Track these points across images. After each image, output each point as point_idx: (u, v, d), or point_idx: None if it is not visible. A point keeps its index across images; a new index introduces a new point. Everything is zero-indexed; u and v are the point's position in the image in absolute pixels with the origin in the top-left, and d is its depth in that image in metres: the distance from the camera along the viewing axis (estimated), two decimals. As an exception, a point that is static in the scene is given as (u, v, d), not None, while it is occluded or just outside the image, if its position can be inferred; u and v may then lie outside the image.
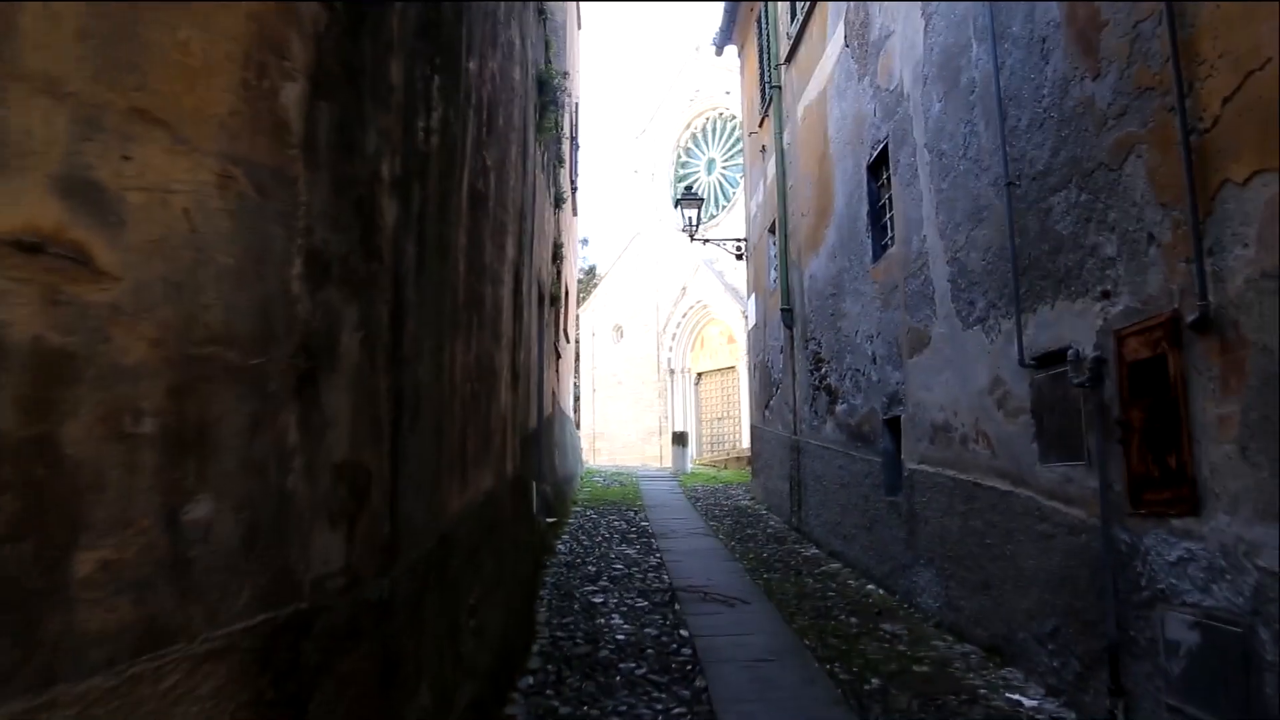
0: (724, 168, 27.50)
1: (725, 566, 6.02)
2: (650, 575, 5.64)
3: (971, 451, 4.06)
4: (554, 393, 8.85)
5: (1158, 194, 2.65)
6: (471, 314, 3.03)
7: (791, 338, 7.77)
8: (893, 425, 5.22)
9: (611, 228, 32.27)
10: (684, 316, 27.30)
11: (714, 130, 28.50)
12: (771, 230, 8.85)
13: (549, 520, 6.84)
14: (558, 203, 8.41)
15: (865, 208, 5.66)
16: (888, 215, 5.42)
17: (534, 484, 6.04)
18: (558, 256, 8.42)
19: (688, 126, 29.22)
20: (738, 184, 26.67)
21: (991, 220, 3.82)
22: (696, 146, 28.77)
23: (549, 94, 6.59)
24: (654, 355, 28.39)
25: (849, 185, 6.03)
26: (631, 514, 8.64)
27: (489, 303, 3.40)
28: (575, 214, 12.12)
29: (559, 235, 8.68)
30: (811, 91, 6.99)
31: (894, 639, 4.21)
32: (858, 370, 5.85)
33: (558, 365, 9.44)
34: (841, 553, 6.09)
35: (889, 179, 5.32)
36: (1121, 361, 2.86)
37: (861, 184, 5.73)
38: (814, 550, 6.56)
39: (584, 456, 30.65)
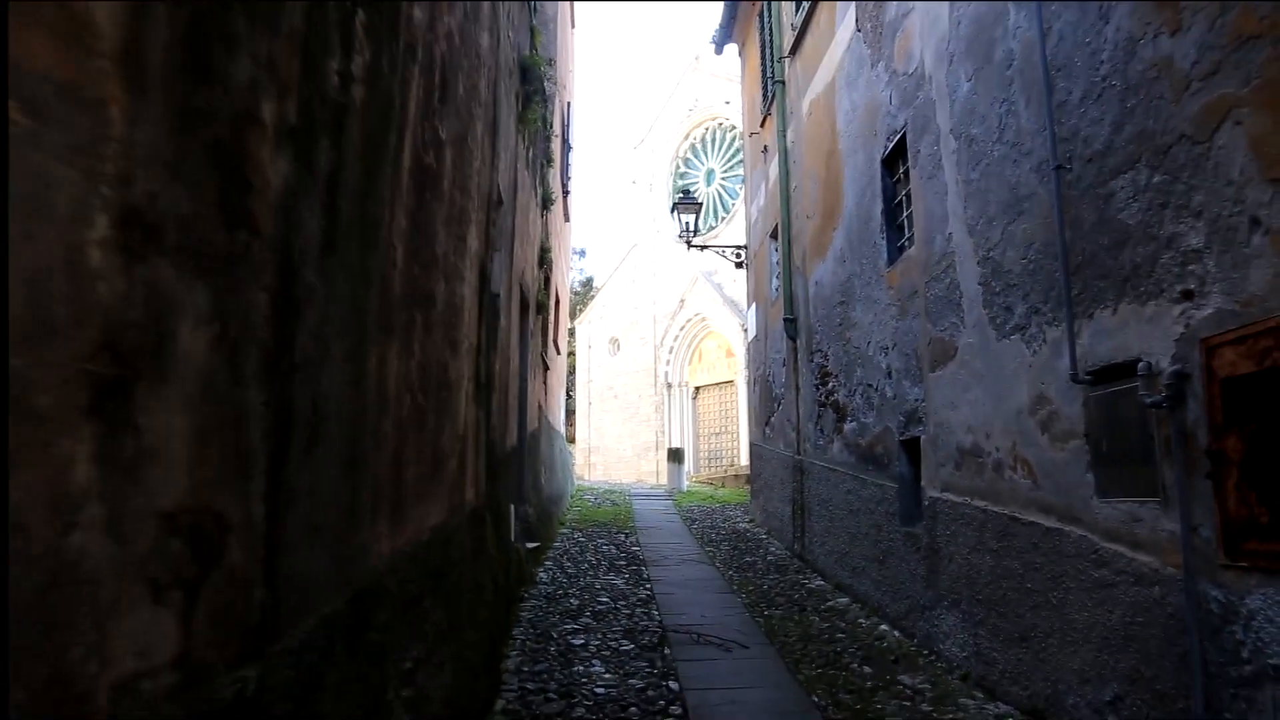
0: (723, 178, 27.14)
1: (722, 600, 5.44)
2: (638, 611, 5.06)
3: (1007, 480, 3.51)
4: (540, 406, 8.29)
5: (1265, 167, 2.12)
6: (415, 313, 2.49)
7: (795, 350, 7.23)
8: (910, 447, 4.67)
9: (610, 240, 31.85)
10: (681, 329, 26.81)
11: (713, 140, 28.17)
12: (773, 235, 8.33)
13: (530, 546, 6.27)
14: (545, 204, 7.89)
15: (879, 206, 5.14)
16: (904, 213, 4.90)
17: (512, 508, 5.48)
18: (545, 261, 7.89)
19: (686, 137, 28.90)
20: (737, 195, 26.24)
21: (1034, 212, 3.29)
22: (695, 157, 28.42)
23: (533, 82, 6.07)
24: (651, 369, 27.88)
25: (860, 182, 5.52)
26: (622, 537, 8.06)
27: (442, 301, 2.86)
28: (567, 219, 11.62)
29: (546, 239, 8.15)
30: (818, 84, 6.50)
31: (915, 695, 3.64)
32: (869, 385, 5.30)
33: (545, 377, 8.89)
34: (850, 586, 5.52)
35: (906, 173, 4.80)
36: (1211, 377, 2.32)
37: (874, 180, 5.21)
38: (819, 582, 5.99)
39: (579, 472, 30.09)
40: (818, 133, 6.56)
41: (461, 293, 3.18)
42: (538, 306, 7.69)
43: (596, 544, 7.55)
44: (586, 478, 29.03)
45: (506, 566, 4.74)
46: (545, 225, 8.26)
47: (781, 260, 7.56)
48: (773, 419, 8.37)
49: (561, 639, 4.37)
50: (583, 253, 43.98)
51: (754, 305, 9.42)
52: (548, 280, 9.05)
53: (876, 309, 5.17)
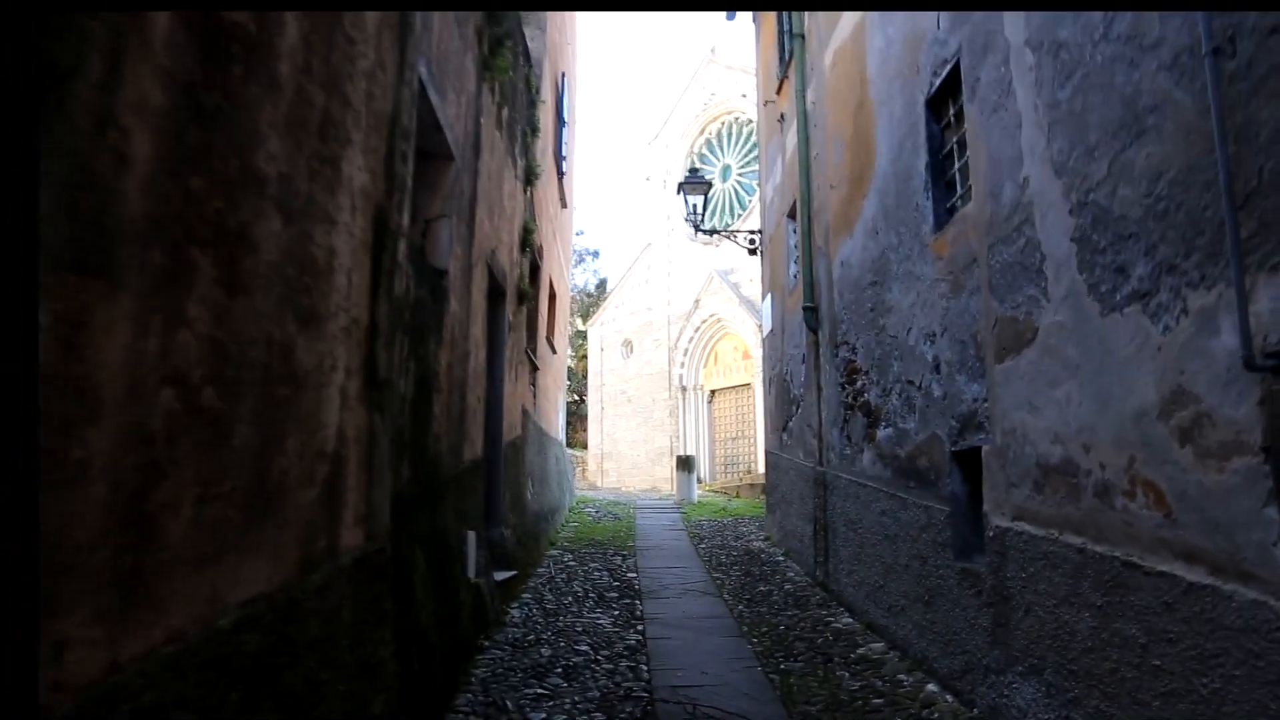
0: (740, 174, 26.19)
1: (729, 648, 4.43)
2: (623, 665, 4.07)
3: (1119, 510, 2.49)
4: (525, 410, 7.33)
5: None
6: (191, 253, 1.52)
7: (816, 343, 6.21)
8: (966, 460, 3.65)
9: (624, 240, 30.95)
10: (696, 331, 25.81)
11: (729, 135, 27.25)
12: (791, 215, 7.32)
13: (502, 577, 5.30)
14: (529, 178, 6.93)
15: (922, 160, 4.12)
16: (956, 166, 3.89)
17: (471, 535, 4.50)
18: (528, 244, 6.93)
19: (702, 132, 28.00)
20: (754, 191, 25.24)
21: (1166, 128, 2.27)
22: (711, 153, 27.49)
23: (503, 24, 5.12)
24: (665, 372, 26.91)
25: (897, 135, 4.50)
26: (619, 560, 7.07)
27: (275, 247, 1.89)
28: (565, 204, 10.67)
29: (532, 219, 7.19)
30: (844, 28, 5.49)
31: (989, 806, 2.62)
32: (910, 383, 4.28)
33: (533, 378, 7.93)
34: (886, 628, 4.49)
35: (960, 113, 3.79)
36: None
37: (917, 128, 4.20)
38: (847, 620, 4.95)
39: (591, 479, 29.17)
40: (843, 86, 5.55)
41: (329, 243, 2.21)
42: (519, 296, 6.73)
43: (588, 569, 6.57)
44: (599, 485, 28.10)
45: (452, 615, 3.76)
46: (531, 204, 7.31)
47: (800, 241, 6.55)
48: (790, 424, 7.34)
49: (518, 710, 3.39)
50: (596, 253, 43.15)
51: (769, 296, 8.40)
52: (535, 268, 8.10)
53: (919, 287, 4.15)
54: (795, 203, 6.88)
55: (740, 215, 25.31)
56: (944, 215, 3.97)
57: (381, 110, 2.69)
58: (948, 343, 3.79)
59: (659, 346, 27.41)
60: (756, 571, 6.49)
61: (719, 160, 27.16)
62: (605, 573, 6.44)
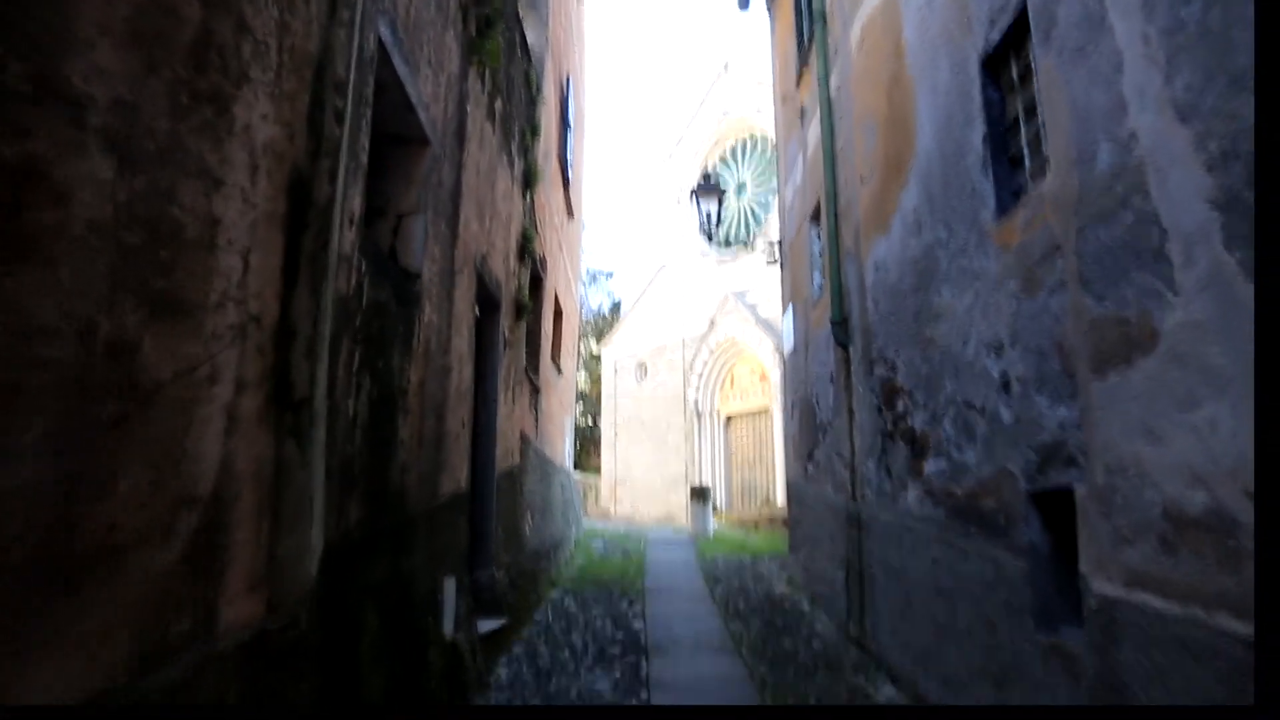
0: (755, 190, 25.64)
1: (749, 725, 3.67)
2: (620, 751, 3.32)
3: (1310, 585, 1.73)
4: (525, 435, 6.64)
5: None
6: None
7: (846, 360, 5.48)
8: (1050, 504, 2.89)
9: (638, 261, 30.53)
10: (712, 353, 25.08)
11: (744, 152, 26.76)
12: (814, 217, 6.63)
13: (489, 628, 4.58)
14: (528, 181, 6.30)
15: (979, 132, 3.42)
16: (1024, 135, 3.18)
17: (450, 583, 3.80)
18: (528, 253, 6.28)
19: (716, 147, 27.54)
20: (771, 208, 24.63)
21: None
22: (726, 170, 26.97)
23: (490, 4, 4.52)
24: (680, 395, 26.16)
25: (944, 108, 3.81)
26: (625, 604, 6.31)
27: (107, 203, 1.22)
28: (571, 215, 10.05)
29: (533, 226, 6.56)
30: None
31: None
32: (969, 405, 3.54)
33: (534, 400, 7.24)
34: (941, 704, 3.71)
35: (1028, 69, 3.10)
36: None
37: (970, 95, 3.50)
38: (889, 689, 4.17)
39: (605, 506, 28.34)
40: (874, 63, 4.88)
41: (206, 209, 1.55)
42: (517, 308, 6.07)
43: (590, 616, 5.81)
44: (612, 512, 27.25)
45: (415, 684, 3.03)
46: (532, 210, 6.68)
47: (826, 245, 5.84)
48: (816, 453, 6.58)
49: (480, 822, 2.65)
50: (610, 274, 42.64)
51: (790, 309, 7.69)
52: (538, 281, 7.46)
53: (979, 287, 3.42)
54: (819, 203, 6.19)
55: (756, 233, 24.69)
56: (1009, 197, 3.26)
57: (302, 49, 2.04)
58: (1020, 354, 3.05)
59: (673, 369, 26.71)
60: (780, 622, 5.70)
61: (734, 177, 26.66)
62: (609, 621, 5.68)
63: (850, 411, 5.41)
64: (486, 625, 4.65)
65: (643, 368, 28.41)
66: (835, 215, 5.71)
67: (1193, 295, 2.10)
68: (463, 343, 4.27)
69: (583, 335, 40.17)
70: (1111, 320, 2.45)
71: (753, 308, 23.80)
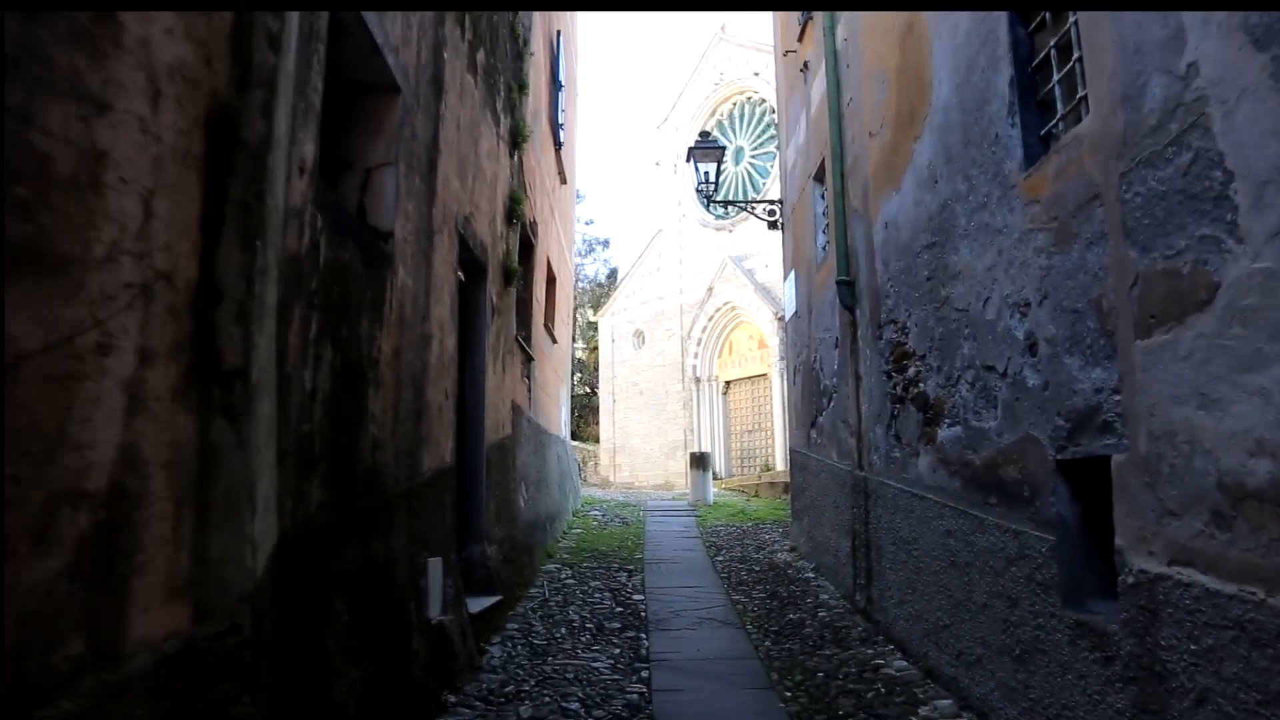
0: (753, 157, 25.20)
1: (757, 706, 3.51)
2: (621, 735, 3.16)
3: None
4: (518, 406, 6.42)
5: None
6: None
7: (852, 323, 5.25)
8: (1081, 472, 2.69)
9: (635, 229, 30.07)
10: (710, 320, 24.85)
11: (742, 116, 26.25)
12: (818, 177, 6.35)
13: (482, 606, 4.41)
14: (515, 141, 6.00)
15: (1004, 75, 3.15)
16: (1056, 75, 2.91)
17: (436, 563, 3.61)
18: (516, 216, 6.00)
19: (713, 113, 27.00)
20: (769, 173, 24.16)
21: None
22: (723, 135, 26.41)
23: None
24: (678, 363, 26.00)
25: (963, 52, 3.53)
26: (624, 576, 6.16)
27: None
28: (564, 180, 9.72)
29: (521, 189, 6.26)
30: (885, -64, 4.50)
31: None
32: (988, 368, 3.32)
33: (527, 368, 7.02)
34: (955, 680, 3.55)
35: (1062, 2, 2.81)
36: None
37: (994, 36, 3.22)
38: (901, 663, 4.01)
39: (604, 474, 28.30)
40: (885, 11, 4.56)
41: (88, 139, 1.29)
42: (505, 274, 5.81)
43: (588, 589, 5.66)
44: (612, 480, 27.25)
45: (397, 674, 2.84)
46: (521, 171, 6.38)
47: (831, 204, 5.57)
48: (820, 419, 6.38)
49: (472, 818, 2.48)
50: (607, 242, 42.25)
51: (792, 274, 7.43)
52: (529, 246, 7.18)
53: (1002, 243, 3.18)
54: (823, 161, 5.91)
55: (754, 198, 24.27)
56: (1037, 145, 3.00)
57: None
58: (1049, 313, 2.82)
59: (671, 337, 26.51)
60: (784, 593, 5.55)
61: (732, 142, 26.14)
62: (608, 594, 5.53)
63: (856, 376, 5.19)
64: (479, 604, 4.48)
65: (640, 335, 28.17)
66: (841, 173, 5.43)
67: (1262, 244, 1.86)
68: (444, 309, 4.02)
69: (580, 305, 39.88)
70: (1159, 274, 2.21)
71: (750, 273, 23.54)
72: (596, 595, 5.47)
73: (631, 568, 6.45)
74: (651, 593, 5.59)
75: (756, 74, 24.82)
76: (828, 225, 5.97)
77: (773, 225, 7.98)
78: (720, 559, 6.92)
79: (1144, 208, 2.28)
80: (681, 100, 28.23)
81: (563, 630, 4.60)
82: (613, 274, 37.94)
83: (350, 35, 2.89)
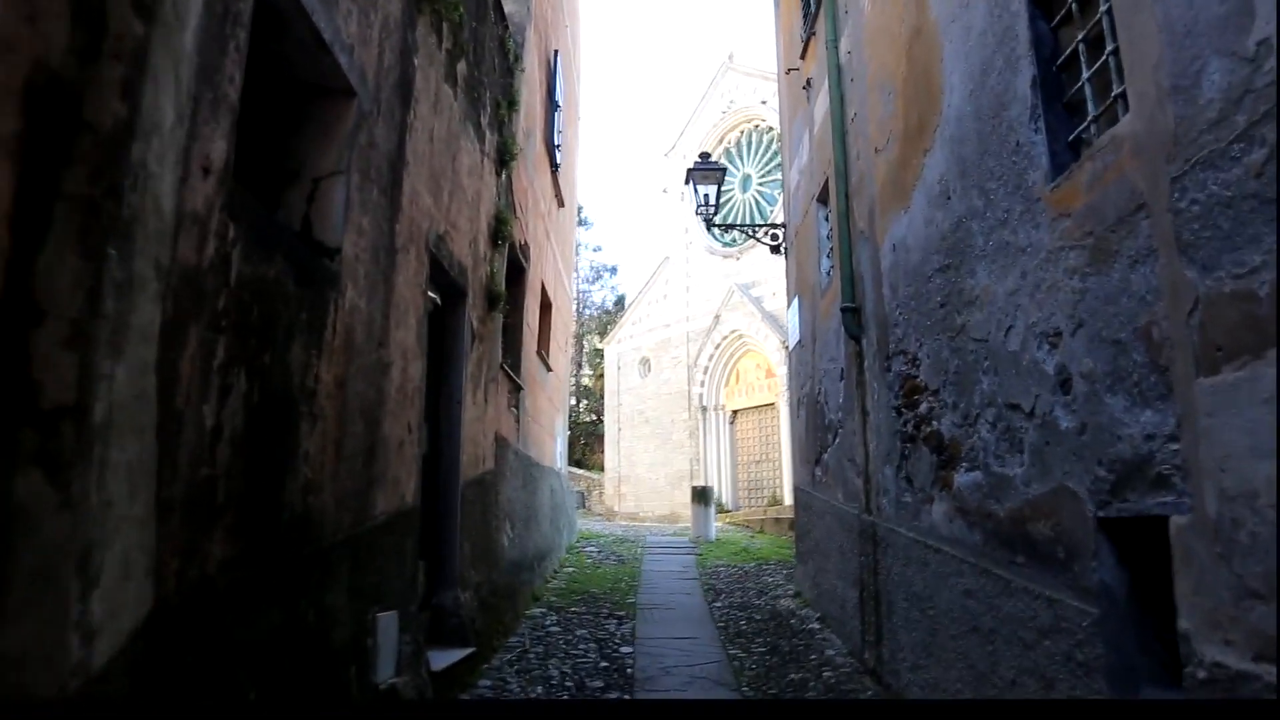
0: (760, 184, 25.06)
1: (748, 791, 3.05)
2: (588, 831, 2.71)
3: None
4: (502, 438, 6.04)
5: None
6: None
7: (859, 354, 4.86)
8: (1129, 534, 2.27)
9: (642, 256, 29.98)
10: (717, 348, 24.49)
11: (749, 144, 26.16)
12: (822, 199, 6.00)
13: (454, 659, 3.99)
14: (502, 159, 5.69)
15: (1025, 76, 2.79)
16: (1086, 72, 2.54)
17: (389, 619, 3.21)
18: (502, 237, 5.67)
19: (720, 141, 26.92)
20: (776, 201, 23.93)
21: None
22: (731, 163, 26.31)
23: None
24: (684, 391, 25.59)
25: (978, 55, 3.18)
26: (613, 624, 5.71)
27: None
28: (562, 204, 9.43)
29: (507, 209, 5.95)
30: (892, -61, 4.20)
31: None
32: (1013, 406, 2.91)
33: (515, 398, 6.64)
34: (977, 763, 3.09)
35: (1095, -13, 2.47)
36: None
37: (1012, 33, 2.87)
38: (914, 736, 3.54)
39: (609, 504, 27.74)
40: (890, 17, 4.24)
41: None
42: (489, 298, 5.47)
43: (572, 639, 5.21)
44: (616, 509, 26.71)
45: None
46: (510, 191, 6.07)
47: (835, 226, 5.21)
48: (825, 456, 5.96)
49: None
50: (614, 270, 42.09)
51: (796, 301, 7.06)
52: (519, 269, 6.86)
53: (1026, 264, 2.80)
54: (827, 181, 5.57)
55: (761, 227, 24.01)
56: (1065, 152, 2.63)
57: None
58: (1085, 344, 2.42)
59: (678, 365, 26.15)
60: (786, 647, 5.09)
61: (739, 170, 26.06)
62: (593, 645, 5.08)
63: (864, 412, 4.79)
64: (448, 658, 4.06)
65: (646, 363, 27.82)
66: (846, 193, 5.08)
67: (1370, 256, 1.47)
68: (409, 335, 3.66)
69: (588, 331, 39.65)
70: (1227, 297, 1.82)
71: (758, 301, 23.24)
72: (581, 647, 5.03)
73: (622, 614, 6.00)
74: (641, 645, 5.14)
75: (764, 102, 24.76)
76: (832, 249, 5.61)
77: (775, 250, 7.63)
78: (719, 605, 6.45)
79: (1203, 218, 1.89)
80: (689, 128, 28.19)
81: (539, 690, 4.16)
82: (620, 301, 37.76)
83: (292, 28, 2.57)
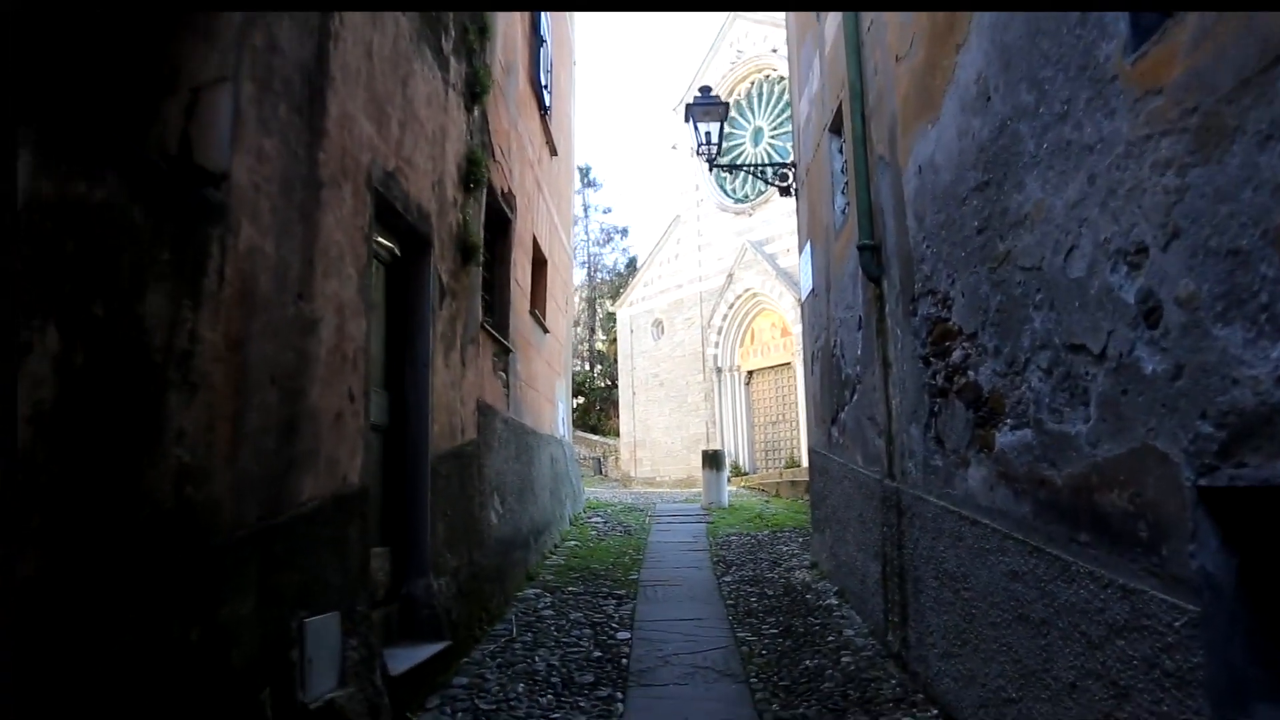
0: (772, 137, 24.09)
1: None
2: None
3: None
4: (486, 405, 5.52)
5: None
6: None
7: (879, 298, 4.25)
8: (1245, 507, 1.70)
9: (653, 217, 29.12)
10: (731, 308, 23.82)
11: (760, 96, 25.17)
12: (835, 128, 5.34)
13: (424, 656, 3.53)
14: (473, 91, 5.08)
15: (1094, -84, 2.14)
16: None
17: (319, 624, 2.72)
18: (476, 180, 5.09)
19: (730, 93, 25.90)
20: (789, 154, 23.02)
21: None
22: (741, 115, 25.37)
23: None
24: (699, 353, 25.03)
25: (1028, -95, 2.51)
26: (612, 604, 5.24)
27: None
28: (555, 152, 8.78)
29: (481, 149, 5.34)
30: None
31: None
32: (1074, 348, 2.32)
33: (501, 361, 6.11)
34: (1027, 777, 2.57)
35: None
36: None
37: None
38: (949, 738, 3.04)
39: (625, 469, 27.41)
40: (913, -110, 3.55)
41: None
42: (462, 250, 4.90)
43: (566, 625, 4.75)
44: (633, 475, 26.40)
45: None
46: (485, 130, 5.46)
47: (851, 155, 4.56)
48: (842, 415, 5.38)
49: None
50: (625, 231, 41.33)
51: (808, 247, 6.43)
52: (504, 221, 6.28)
53: (1095, 165, 2.18)
54: (840, 106, 4.90)
55: (773, 178, 23.17)
56: (1153, 14, 1.99)
57: None
58: (1183, 260, 1.82)
59: (691, 326, 25.56)
60: (800, 627, 4.58)
61: (749, 123, 25.13)
62: (588, 631, 4.61)
63: (885, 363, 4.20)
64: (417, 655, 3.59)
65: (659, 325, 27.23)
66: (862, 114, 4.42)
67: None
68: (346, 287, 3.12)
69: (600, 295, 38.97)
70: None
71: (772, 258, 22.51)
72: (574, 633, 4.56)
73: (623, 592, 5.52)
74: (640, 628, 4.66)
75: (775, 50, 23.73)
76: (846, 184, 4.97)
77: (785, 191, 6.97)
78: (728, 579, 5.96)
79: (1392, 55, 1.28)
80: (697, 80, 27.10)
81: (521, 686, 3.70)
82: (632, 263, 37.04)
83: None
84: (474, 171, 5.05)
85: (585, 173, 40.31)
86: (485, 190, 5.53)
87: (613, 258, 41.00)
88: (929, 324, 3.51)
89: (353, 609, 3.03)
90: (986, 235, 2.90)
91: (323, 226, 2.93)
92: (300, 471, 2.70)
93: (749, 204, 24.11)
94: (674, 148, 27.22)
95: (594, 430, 35.01)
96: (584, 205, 40.30)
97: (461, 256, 4.91)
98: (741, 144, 24.63)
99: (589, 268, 40.60)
